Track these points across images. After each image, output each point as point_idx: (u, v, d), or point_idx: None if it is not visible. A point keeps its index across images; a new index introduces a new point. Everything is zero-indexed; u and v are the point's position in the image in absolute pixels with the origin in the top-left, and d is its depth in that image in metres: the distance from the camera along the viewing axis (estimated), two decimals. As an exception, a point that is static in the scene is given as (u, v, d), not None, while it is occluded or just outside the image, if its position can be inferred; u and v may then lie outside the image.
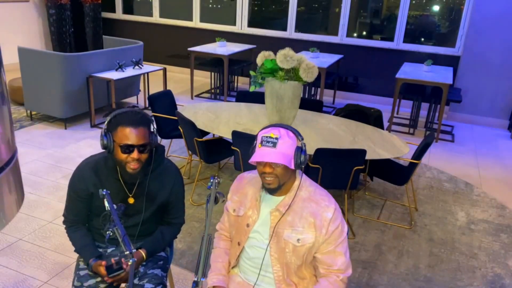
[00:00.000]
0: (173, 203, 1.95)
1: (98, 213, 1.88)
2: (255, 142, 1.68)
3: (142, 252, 1.87)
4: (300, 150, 1.62)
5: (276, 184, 1.64)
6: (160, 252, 2.01)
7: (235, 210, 1.79)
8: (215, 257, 1.85)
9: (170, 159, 1.99)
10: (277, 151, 1.58)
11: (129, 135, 1.69)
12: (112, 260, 1.78)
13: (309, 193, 1.70)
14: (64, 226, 1.92)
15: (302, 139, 1.66)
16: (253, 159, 1.61)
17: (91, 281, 1.83)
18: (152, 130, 1.78)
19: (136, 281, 1.86)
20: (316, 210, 1.66)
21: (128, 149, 1.70)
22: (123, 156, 1.71)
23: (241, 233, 1.76)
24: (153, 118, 1.82)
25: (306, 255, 1.69)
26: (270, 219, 1.70)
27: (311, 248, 1.68)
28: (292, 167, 1.60)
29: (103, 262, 1.76)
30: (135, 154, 1.71)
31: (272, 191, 1.67)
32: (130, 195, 1.85)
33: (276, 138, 1.59)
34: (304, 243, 1.66)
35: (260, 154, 1.59)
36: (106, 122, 1.74)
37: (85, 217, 1.91)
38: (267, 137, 1.61)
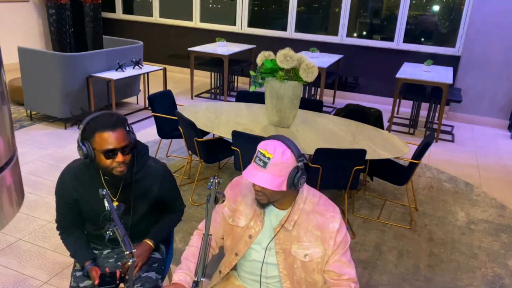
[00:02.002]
0: (168, 198, 1.94)
1: (88, 218, 1.87)
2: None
3: (149, 242, 1.87)
4: (296, 171, 1.51)
5: (266, 201, 1.58)
6: (165, 237, 2.01)
7: (234, 219, 1.72)
8: (188, 255, 1.73)
9: (158, 159, 1.97)
10: (266, 173, 1.49)
11: (109, 139, 1.64)
12: (107, 269, 1.77)
13: (313, 205, 1.63)
14: (58, 232, 1.91)
15: (302, 158, 1.54)
16: (244, 175, 1.53)
17: (87, 282, 1.83)
18: (128, 129, 1.73)
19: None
20: (322, 223, 1.60)
21: (111, 153, 1.66)
22: (107, 161, 1.67)
23: (240, 243, 1.70)
24: (126, 117, 1.79)
25: (316, 271, 1.62)
26: (274, 235, 1.64)
27: (320, 264, 1.61)
28: (283, 189, 1.51)
29: (98, 271, 1.77)
30: (119, 157, 1.67)
31: (262, 206, 1.62)
32: (114, 199, 1.83)
33: (269, 158, 1.49)
34: (312, 258, 1.60)
35: (250, 172, 1.52)
36: (80, 131, 1.68)
37: (76, 221, 1.89)
38: (261, 153, 1.51)
